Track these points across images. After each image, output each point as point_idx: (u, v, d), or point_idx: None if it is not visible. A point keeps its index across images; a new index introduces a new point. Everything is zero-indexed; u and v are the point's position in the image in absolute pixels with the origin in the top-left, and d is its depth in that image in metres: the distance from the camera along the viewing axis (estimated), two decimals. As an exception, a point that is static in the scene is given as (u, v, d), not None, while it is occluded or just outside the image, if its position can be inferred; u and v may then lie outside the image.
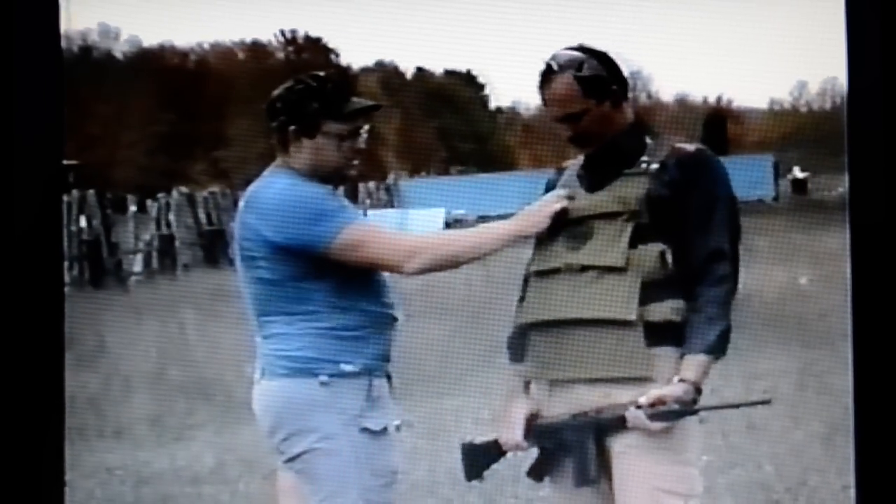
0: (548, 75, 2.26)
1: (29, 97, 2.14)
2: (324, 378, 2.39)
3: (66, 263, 12.23)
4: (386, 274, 2.45)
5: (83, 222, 13.11)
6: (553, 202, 2.33)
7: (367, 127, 2.49)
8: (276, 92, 2.46)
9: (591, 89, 2.24)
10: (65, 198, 13.16)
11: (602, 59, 2.27)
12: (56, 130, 2.16)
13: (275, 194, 2.39)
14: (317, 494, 2.40)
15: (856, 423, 2.09)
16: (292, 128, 2.42)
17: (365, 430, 2.39)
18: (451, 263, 2.38)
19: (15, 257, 2.13)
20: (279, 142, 2.46)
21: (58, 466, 2.18)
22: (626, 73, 2.30)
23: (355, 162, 2.48)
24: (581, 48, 2.27)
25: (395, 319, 2.47)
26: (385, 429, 2.41)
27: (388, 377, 2.47)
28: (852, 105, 2.09)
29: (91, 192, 13.61)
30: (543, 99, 2.29)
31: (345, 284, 2.39)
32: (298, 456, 2.41)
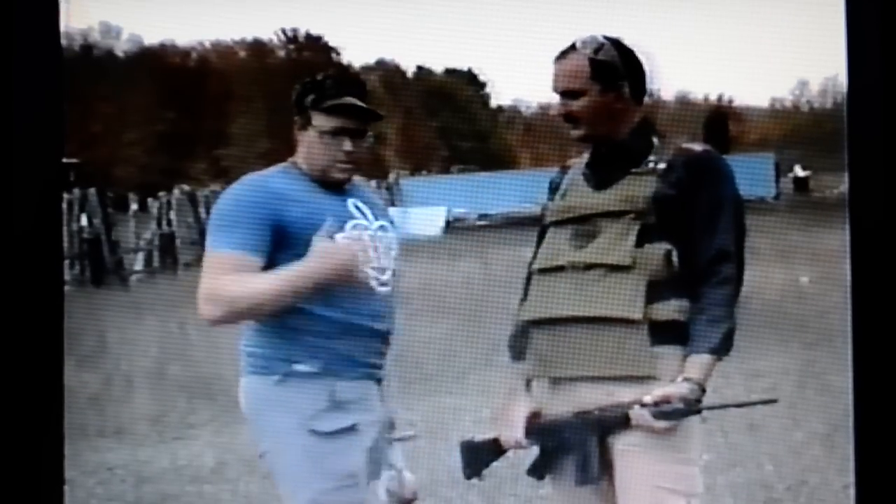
0: (566, 51, 2.28)
1: (29, 96, 2.13)
2: (277, 377, 2.38)
3: (66, 262, 12.23)
4: (376, 284, 2.42)
5: (84, 221, 13.11)
6: (334, 249, 2.33)
7: (369, 133, 2.47)
8: None
9: (600, 74, 2.24)
10: (66, 196, 13.17)
11: (625, 53, 2.27)
12: (56, 129, 2.16)
13: (226, 191, 2.42)
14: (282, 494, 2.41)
15: (855, 424, 2.09)
16: (295, 118, 2.46)
17: (313, 432, 2.36)
18: (254, 314, 2.34)
19: (15, 256, 2.13)
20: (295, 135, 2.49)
21: (57, 466, 2.18)
22: (649, 77, 2.30)
23: (345, 165, 2.44)
24: (612, 38, 2.28)
25: (376, 331, 2.41)
26: (342, 430, 2.37)
27: (378, 381, 2.44)
28: (852, 105, 2.09)
29: (92, 190, 13.61)
30: (554, 71, 2.29)
31: None
32: (262, 456, 2.43)
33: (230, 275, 2.32)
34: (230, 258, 2.34)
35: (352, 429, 2.38)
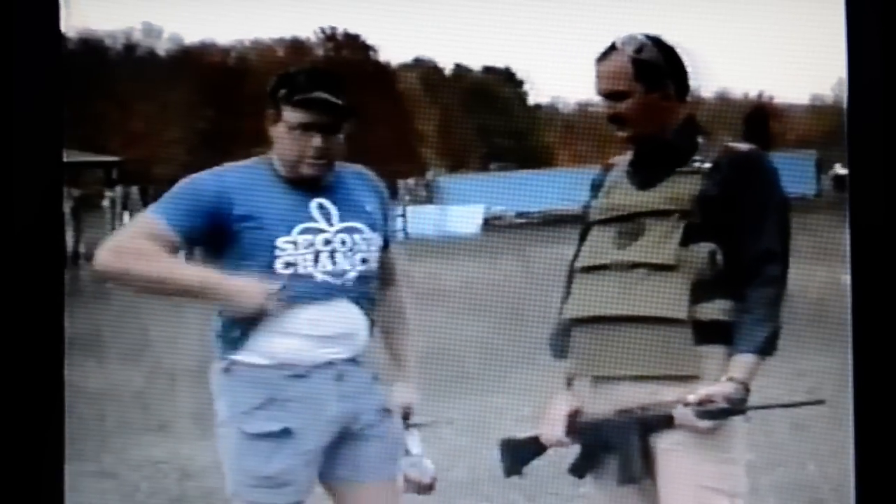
0: (608, 51, 2.28)
1: (29, 95, 2.13)
2: (224, 364, 2.40)
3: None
4: None
5: (127, 218, 13.27)
6: (249, 290, 2.32)
7: (341, 130, 2.41)
8: None
9: (644, 74, 2.24)
10: (108, 194, 13.32)
11: (667, 51, 2.27)
12: (56, 129, 2.16)
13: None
14: None
15: (856, 422, 2.08)
16: (268, 111, 2.43)
17: (240, 429, 2.37)
18: (143, 285, 2.32)
19: (15, 257, 2.12)
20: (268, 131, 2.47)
21: (58, 466, 2.17)
22: (691, 73, 2.29)
23: (315, 161, 2.40)
24: (652, 37, 2.27)
25: (325, 336, 2.39)
26: (269, 434, 2.36)
27: (337, 378, 2.41)
28: (852, 105, 2.07)
29: (134, 188, 13.76)
30: (597, 72, 2.29)
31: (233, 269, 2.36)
32: None
33: (145, 239, 2.32)
34: (153, 223, 2.35)
35: (283, 433, 2.37)
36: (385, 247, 2.54)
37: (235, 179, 2.41)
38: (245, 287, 2.33)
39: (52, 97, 2.14)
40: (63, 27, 2.17)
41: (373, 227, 2.48)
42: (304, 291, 2.38)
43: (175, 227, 2.35)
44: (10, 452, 2.13)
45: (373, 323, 2.51)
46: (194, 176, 2.42)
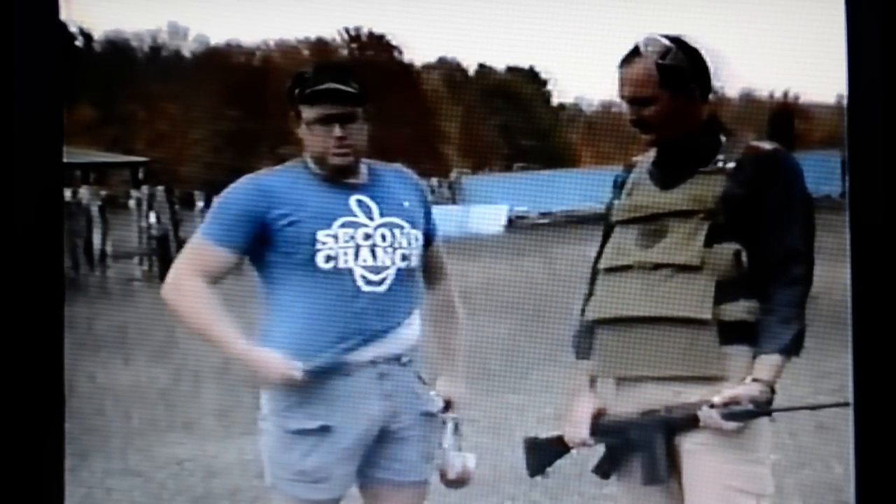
0: (631, 55, 2.26)
1: (29, 95, 2.11)
2: None
3: (136, 259, 12.46)
4: (363, 284, 2.41)
5: (153, 218, 13.35)
6: (265, 363, 2.36)
7: (357, 117, 2.42)
8: None
9: (669, 79, 2.22)
10: (135, 194, 13.41)
11: (691, 53, 2.25)
12: (56, 128, 2.15)
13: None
14: None
15: (856, 422, 2.06)
16: (290, 113, 2.46)
17: (279, 425, 2.40)
18: (184, 322, 2.41)
19: (15, 257, 2.11)
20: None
21: (57, 465, 2.18)
22: (714, 74, 2.28)
23: (339, 150, 2.41)
24: (675, 38, 2.26)
25: (362, 330, 2.38)
26: (307, 431, 2.38)
27: (379, 376, 2.42)
28: (852, 105, 2.06)
29: (160, 188, 13.85)
30: (620, 77, 2.28)
31: (276, 283, 2.42)
32: None
33: (199, 273, 2.39)
34: (204, 248, 2.41)
35: (322, 430, 2.39)
36: (428, 244, 2.55)
37: (273, 182, 2.44)
38: (268, 364, 2.37)
39: (52, 97, 2.14)
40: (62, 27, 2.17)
41: (413, 224, 2.49)
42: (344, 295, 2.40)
43: (225, 246, 2.41)
44: (10, 452, 2.12)
45: (417, 321, 2.51)
46: (230, 187, 2.45)
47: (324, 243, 2.39)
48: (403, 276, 2.45)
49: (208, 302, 2.40)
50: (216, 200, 2.47)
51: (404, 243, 2.46)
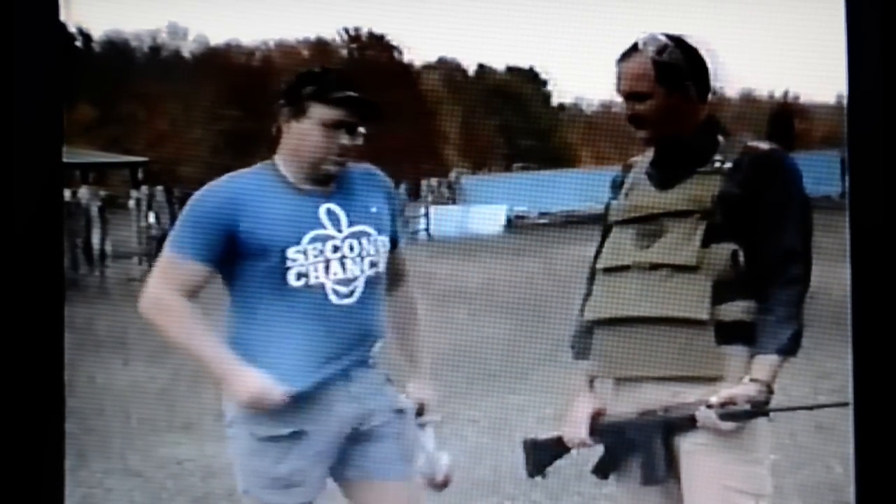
0: (630, 51, 2.27)
1: (29, 95, 2.11)
2: None
3: (135, 259, 12.45)
4: (335, 297, 2.38)
5: (152, 218, 13.35)
6: (245, 384, 2.33)
7: (361, 130, 2.40)
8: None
9: (665, 76, 2.23)
10: (134, 194, 13.40)
11: (689, 52, 2.26)
12: (56, 128, 2.15)
13: (196, 192, 2.42)
14: None
15: (856, 422, 2.07)
16: (284, 108, 2.41)
17: (250, 432, 2.37)
18: (165, 339, 2.36)
19: (15, 256, 2.11)
20: (274, 132, 2.45)
21: (57, 465, 2.17)
22: (713, 74, 2.28)
23: (338, 158, 2.39)
24: (675, 37, 2.26)
25: (333, 340, 2.37)
26: (278, 437, 2.36)
27: (347, 379, 2.40)
28: (852, 105, 2.06)
29: (159, 188, 13.84)
30: (618, 72, 2.28)
31: (245, 297, 2.38)
32: None
33: (174, 288, 2.34)
34: (175, 262, 2.36)
35: (292, 435, 2.37)
36: (393, 247, 2.52)
37: (239, 189, 2.39)
38: (251, 386, 2.33)
39: (52, 97, 2.13)
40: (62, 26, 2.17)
41: (379, 230, 2.47)
42: (314, 309, 2.37)
43: (196, 257, 2.36)
44: (10, 453, 2.13)
45: (382, 325, 2.49)
46: (196, 195, 2.40)
47: (294, 260, 2.36)
48: (372, 282, 2.44)
49: (186, 317, 2.35)
50: (185, 209, 2.40)
51: (372, 251, 2.44)
